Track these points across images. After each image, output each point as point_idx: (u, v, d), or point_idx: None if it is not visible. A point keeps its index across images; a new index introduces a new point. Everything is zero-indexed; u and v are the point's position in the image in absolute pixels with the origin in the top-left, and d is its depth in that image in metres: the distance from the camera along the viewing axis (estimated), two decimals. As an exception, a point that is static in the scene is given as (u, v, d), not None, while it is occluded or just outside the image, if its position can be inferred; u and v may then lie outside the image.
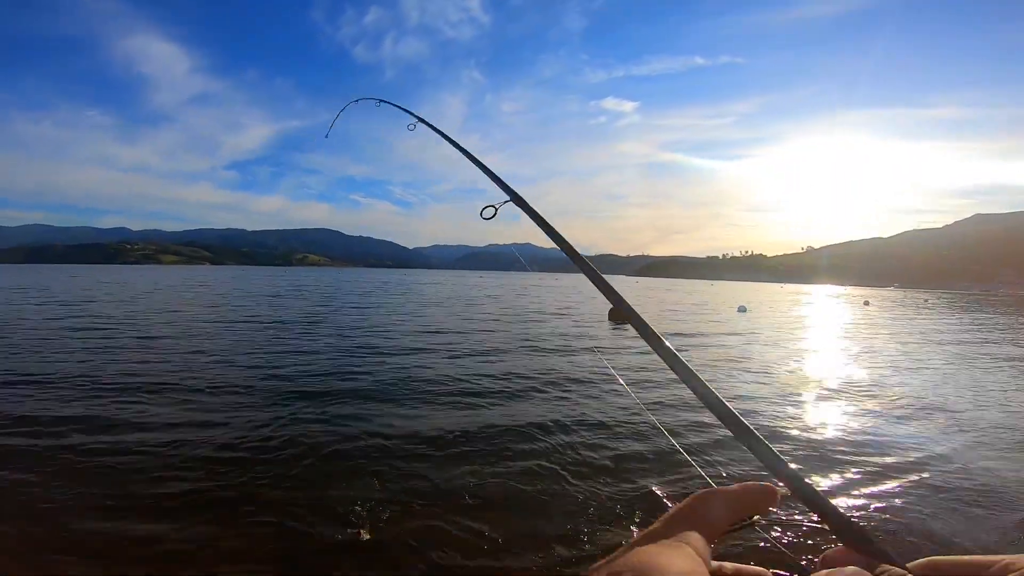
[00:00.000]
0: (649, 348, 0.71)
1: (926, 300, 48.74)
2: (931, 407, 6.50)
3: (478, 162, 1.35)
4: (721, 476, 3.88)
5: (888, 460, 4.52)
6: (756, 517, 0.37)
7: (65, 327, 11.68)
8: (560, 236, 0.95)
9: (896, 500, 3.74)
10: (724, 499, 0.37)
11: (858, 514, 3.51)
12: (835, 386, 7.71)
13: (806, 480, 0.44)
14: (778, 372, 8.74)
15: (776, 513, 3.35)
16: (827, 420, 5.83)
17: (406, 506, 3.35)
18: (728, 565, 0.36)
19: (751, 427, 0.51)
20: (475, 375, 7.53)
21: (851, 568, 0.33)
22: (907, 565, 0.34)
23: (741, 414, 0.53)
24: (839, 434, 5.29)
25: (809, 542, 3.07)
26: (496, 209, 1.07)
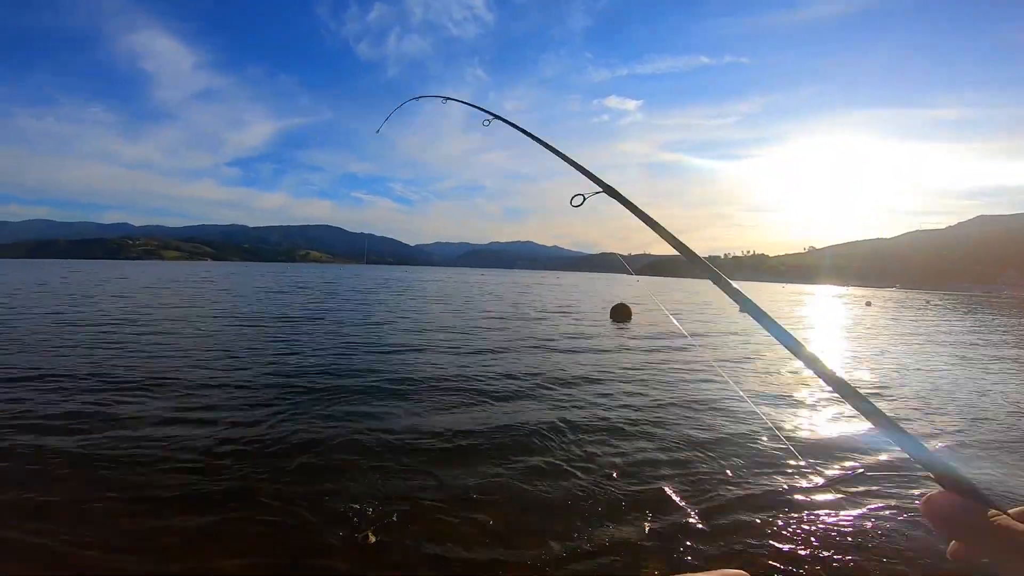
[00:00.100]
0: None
1: (928, 301, 48.60)
2: (935, 408, 6.50)
3: (563, 155, 1.37)
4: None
5: (883, 458, 4.53)
6: None
7: (63, 321, 11.72)
8: (669, 233, 0.94)
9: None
10: None
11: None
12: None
13: (923, 444, 0.47)
14: (781, 373, 8.74)
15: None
16: (832, 420, 5.84)
17: (409, 505, 3.35)
18: None
19: (879, 408, 0.55)
20: (477, 372, 7.54)
21: (959, 502, 0.33)
22: (1009, 511, 0.34)
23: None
24: (844, 434, 5.30)
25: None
26: (585, 198, 1.12)
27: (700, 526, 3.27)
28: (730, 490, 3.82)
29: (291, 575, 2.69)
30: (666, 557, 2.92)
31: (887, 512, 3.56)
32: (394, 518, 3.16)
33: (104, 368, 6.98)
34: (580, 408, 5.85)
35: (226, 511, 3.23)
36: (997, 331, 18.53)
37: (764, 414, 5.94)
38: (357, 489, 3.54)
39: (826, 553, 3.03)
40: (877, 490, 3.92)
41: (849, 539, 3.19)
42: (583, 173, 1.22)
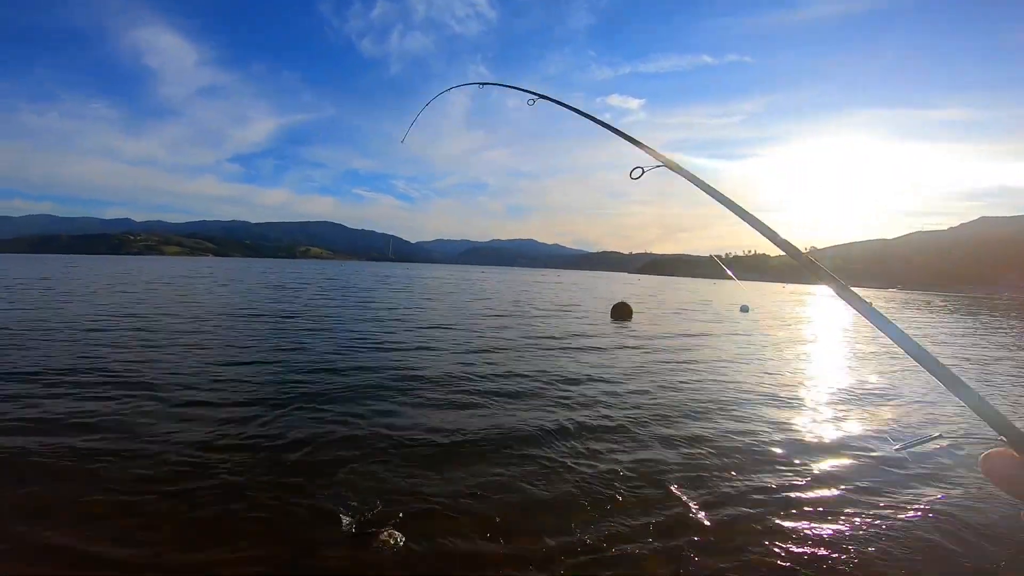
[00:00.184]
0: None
1: (928, 302, 48.52)
2: (936, 408, 6.52)
3: (618, 131, 1.37)
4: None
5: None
6: None
7: (62, 317, 11.76)
8: (749, 213, 0.92)
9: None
10: None
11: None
12: (842, 388, 7.73)
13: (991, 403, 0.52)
14: (782, 372, 8.76)
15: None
16: (833, 420, 5.86)
17: (410, 503, 3.36)
18: None
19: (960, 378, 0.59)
20: (478, 371, 7.57)
21: (1019, 462, 0.32)
22: None
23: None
24: (844, 434, 5.32)
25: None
26: (644, 171, 1.12)
27: (703, 523, 3.29)
28: (733, 490, 3.84)
29: (291, 574, 2.69)
30: (667, 557, 2.94)
31: (889, 512, 3.58)
32: (394, 517, 3.15)
33: (102, 365, 7.00)
34: (581, 407, 5.87)
35: (226, 510, 3.22)
36: (998, 333, 18.52)
37: (765, 414, 5.95)
38: (357, 487, 3.54)
39: (826, 552, 3.05)
40: (879, 490, 3.95)
41: (851, 539, 3.21)
42: (639, 146, 1.22)
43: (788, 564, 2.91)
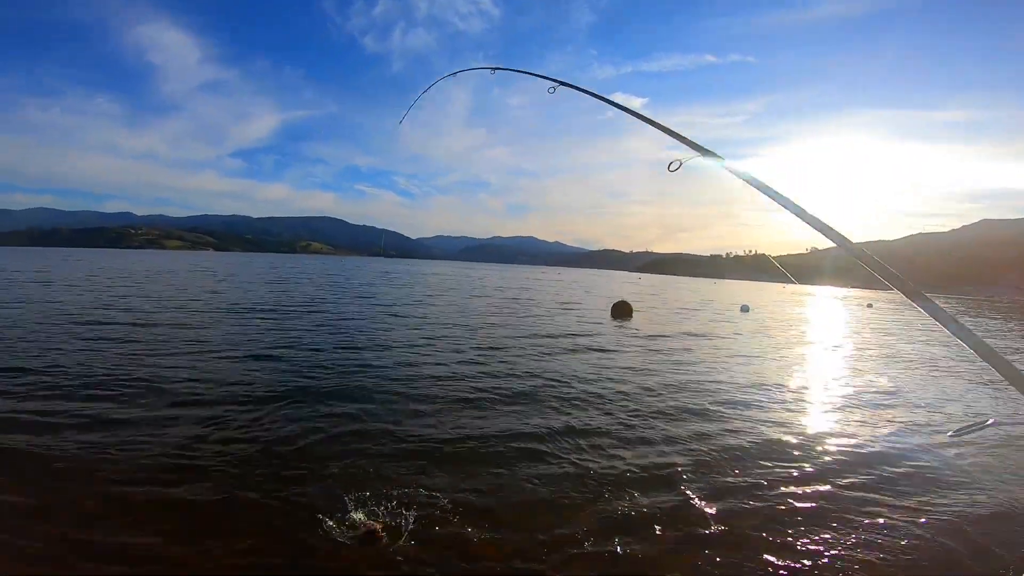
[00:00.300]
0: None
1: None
2: (937, 409, 6.53)
3: (650, 120, 1.35)
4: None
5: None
6: None
7: (59, 313, 11.76)
8: (804, 209, 0.88)
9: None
10: None
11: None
12: (847, 392, 7.74)
13: None
14: (783, 372, 8.77)
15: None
16: (835, 420, 5.87)
17: (411, 503, 3.33)
18: None
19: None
20: (478, 370, 7.58)
21: None
22: None
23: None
24: (847, 433, 5.33)
25: None
26: (681, 163, 1.11)
27: (709, 521, 3.30)
28: (737, 487, 3.85)
29: (290, 572, 2.69)
30: (673, 556, 2.95)
31: (891, 512, 3.59)
32: (395, 515, 3.14)
33: (100, 361, 7.00)
34: (581, 405, 5.88)
35: (225, 507, 3.22)
36: (997, 335, 18.52)
37: (766, 412, 5.96)
38: (357, 485, 3.53)
39: (831, 552, 3.06)
40: (881, 489, 3.95)
41: (851, 539, 3.21)
42: (674, 136, 1.22)
43: (789, 564, 2.92)
